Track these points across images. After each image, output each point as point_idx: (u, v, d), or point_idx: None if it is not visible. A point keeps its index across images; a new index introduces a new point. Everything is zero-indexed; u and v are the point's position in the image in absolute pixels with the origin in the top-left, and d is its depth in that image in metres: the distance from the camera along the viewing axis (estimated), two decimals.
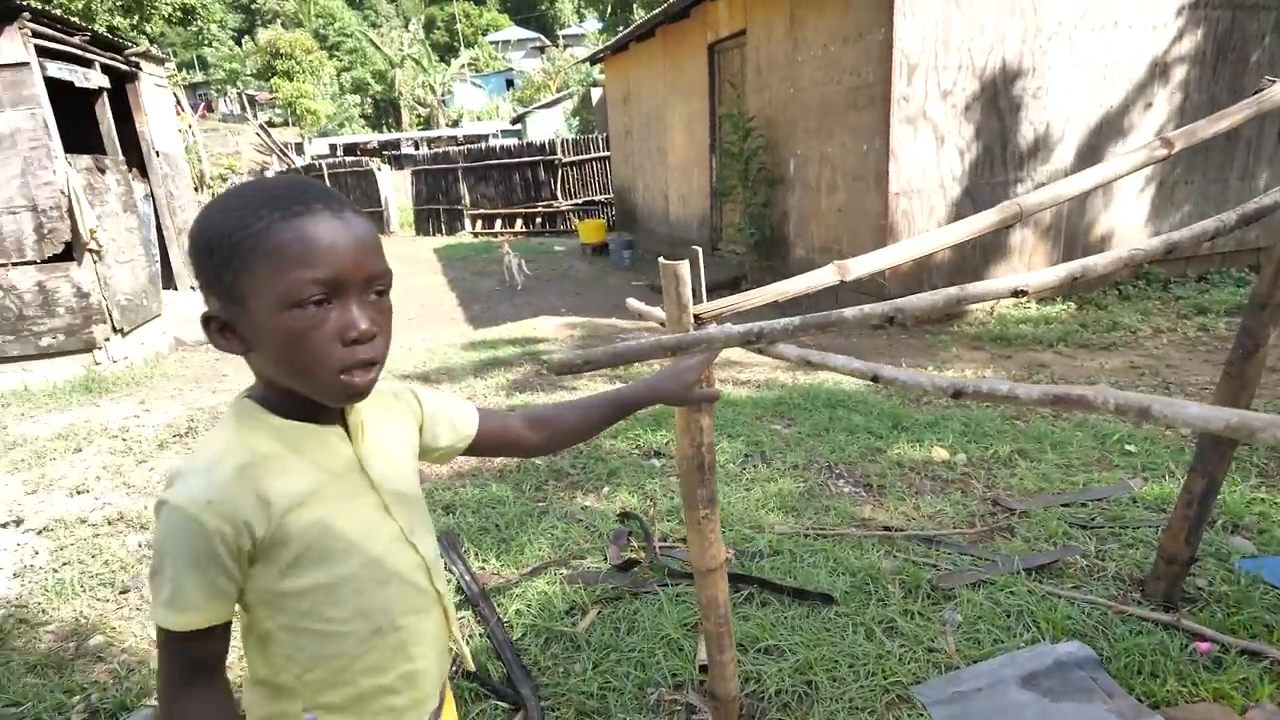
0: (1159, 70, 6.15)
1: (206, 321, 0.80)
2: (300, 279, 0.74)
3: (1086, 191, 1.40)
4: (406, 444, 0.96)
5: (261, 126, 28.23)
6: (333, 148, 26.24)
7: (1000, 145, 5.95)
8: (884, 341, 5.73)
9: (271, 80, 33.41)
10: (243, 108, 35.26)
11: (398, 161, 24.89)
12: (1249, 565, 2.26)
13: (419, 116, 35.81)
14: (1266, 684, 1.78)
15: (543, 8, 51.00)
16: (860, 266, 1.27)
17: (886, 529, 2.68)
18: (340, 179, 18.34)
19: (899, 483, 3.07)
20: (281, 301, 0.74)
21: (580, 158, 16.53)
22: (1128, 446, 3.28)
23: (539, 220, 16.87)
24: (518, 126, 28.39)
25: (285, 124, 32.36)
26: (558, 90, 30.18)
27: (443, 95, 36.27)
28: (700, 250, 1.27)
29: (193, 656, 0.79)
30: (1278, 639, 1.94)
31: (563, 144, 16.71)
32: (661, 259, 1.21)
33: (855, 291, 6.36)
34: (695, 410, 1.36)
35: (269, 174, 22.03)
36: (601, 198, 16.35)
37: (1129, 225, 6.51)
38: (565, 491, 3.25)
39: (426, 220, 17.92)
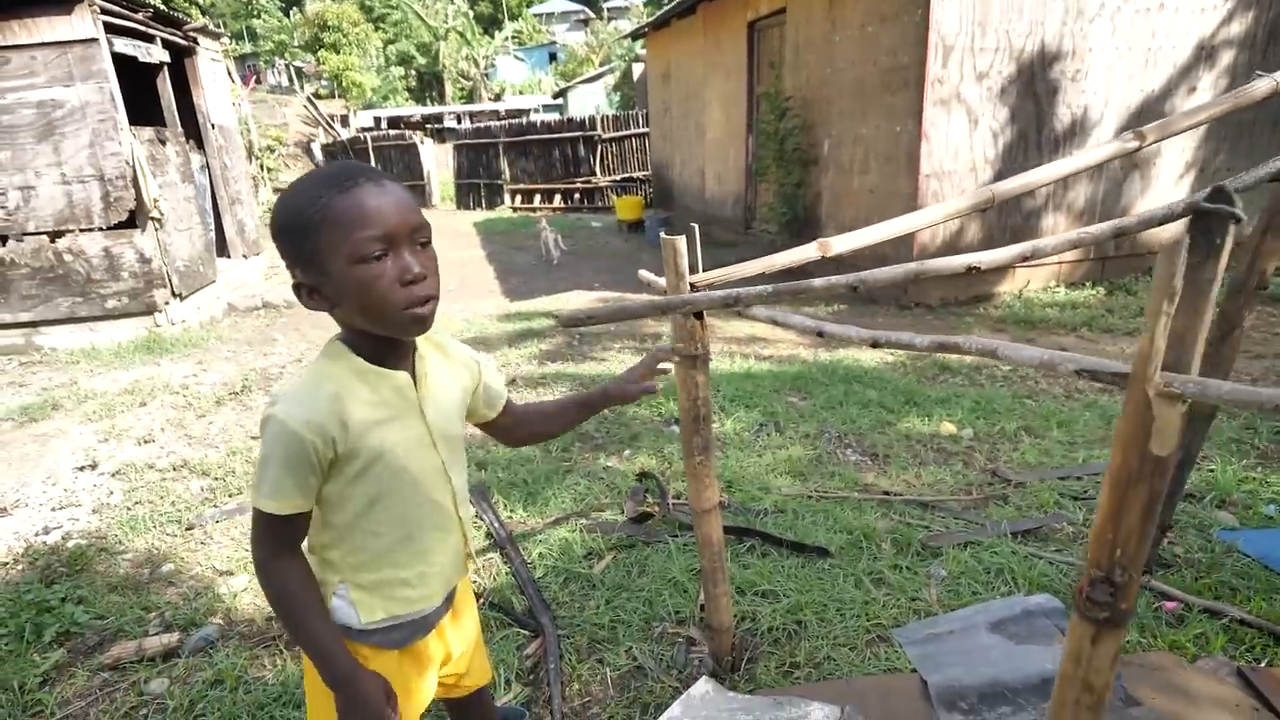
0: (1205, 54, 6.02)
1: (297, 289, 1.01)
2: (360, 238, 0.94)
3: (1056, 179, 1.54)
4: (459, 398, 1.18)
5: (309, 98, 28.83)
6: (377, 120, 26.70)
7: (1035, 129, 5.92)
8: (908, 321, 5.81)
9: (318, 52, 33.98)
10: (290, 80, 35.97)
11: (440, 135, 25.23)
12: (1227, 536, 2.38)
13: (462, 90, 36.10)
14: (1222, 638, 1.93)
15: None
16: (840, 244, 1.43)
17: (886, 494, 2.84)
18: (384, 152, 18.74)
19: (904, 453, 3.22)
20: (350, 258, 0.94)
21: (620, 134, 16.59)
22: None
23: (577, 196, 17.03)
24: (559, 101, 28.46)
25: (331, 96, 32.95)
26: (600, 64, 30.12)
27: (486, 69, 36.45)
28: (697, 228, 1.45)
29: (284, 533, 1.03)
30: (1240, 600, 2.07)
31: (603, 120, 16.78)
32: (663, 233, 1.40)
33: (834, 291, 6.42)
34: (692, 368, 1.55)
35: (315, 145, 22.56)
36: (640, 175, 16.41)
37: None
38: (589, 453, 3.47)
39: (467, 194, 18.23)
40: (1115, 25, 5.80)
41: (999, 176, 5.95)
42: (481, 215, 16.75)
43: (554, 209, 16.94)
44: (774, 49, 8.20)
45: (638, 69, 20.69)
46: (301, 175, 1.05)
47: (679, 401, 1.63)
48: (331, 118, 27.16)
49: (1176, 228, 6.65)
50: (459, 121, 25.94)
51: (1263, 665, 1.86)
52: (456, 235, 13.49)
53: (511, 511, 2.93)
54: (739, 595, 2.24)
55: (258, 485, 1.00)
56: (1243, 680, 1.81)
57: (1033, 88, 5.82)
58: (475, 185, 18.08)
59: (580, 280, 8.55)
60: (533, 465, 3.29)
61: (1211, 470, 2.87)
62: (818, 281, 1.26)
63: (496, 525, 2.77)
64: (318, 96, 31.66)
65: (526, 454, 3.40)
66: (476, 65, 35.60)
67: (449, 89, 35.83)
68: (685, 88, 11.25)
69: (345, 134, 23.53)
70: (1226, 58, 6.05)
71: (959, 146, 5.83)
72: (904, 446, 3.29)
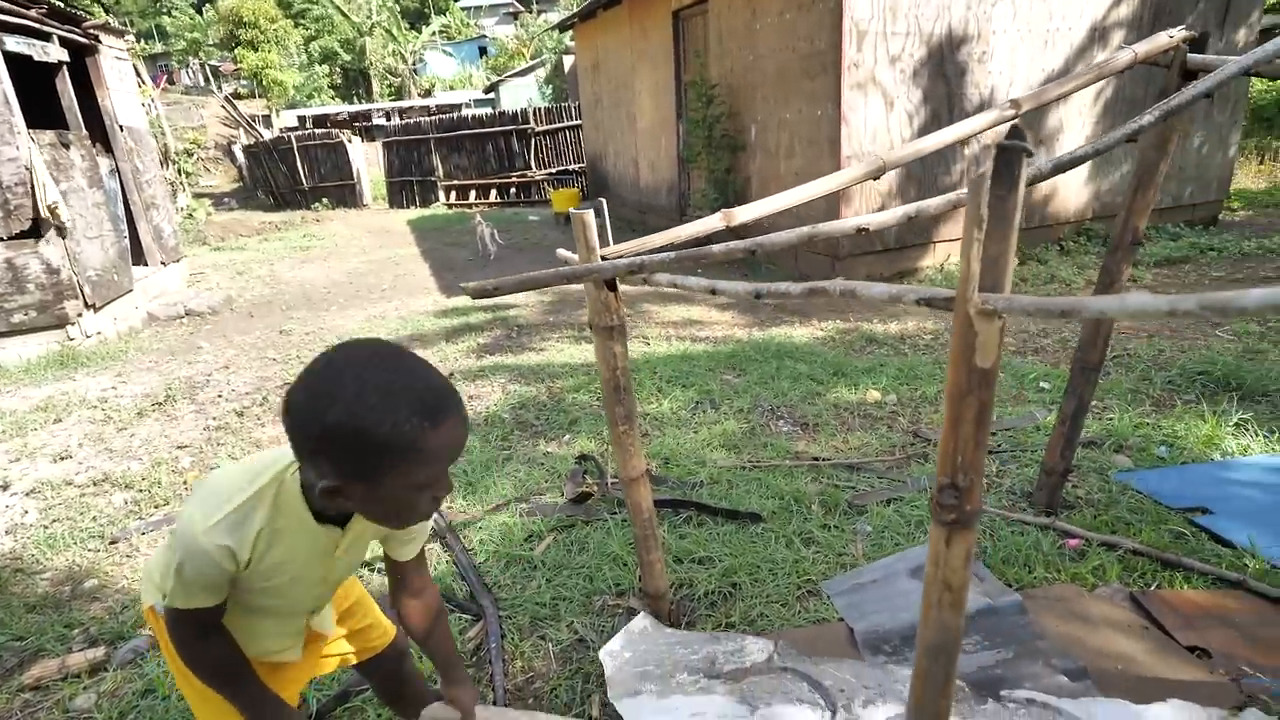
0: (1098, 35, 6.38)
1: (327, 491, 0.95)
2: (437, 473, 0.96)
3: (941, 147, 1.64)
4: (372, 539, 1.22)
5: (227, 99, 27.60)
6: (302, 120, 25.76)
7: (947, 109, 6.17)
8: (840, 300, 6.00)
9: (235, 50, 32.54)
10: (206, 79, 34.34)
11: (369, 133, 24.53)
12: (1123, 477, 2.57)
13: (390, 86, 35.14)
14: (1117, 568, 2.09)
15: None
16: (744, 214, 1.50)
17: (816, 459, 2.96)
18: (310, 152, 18.13)
19: (833, 421, 3.35)
20: (416, 487, 0.95)
21: (554, 127, 16.48)
22: (1042, 384, 3.59)
23: (513, 190, 16.86)
24: (491, 96, 28.03)
25: (252, 96, 31.62)
26: (531, 57, 29.77)
27: (414, 64, 35.57)
28: (605, 202, 1.49)
29: (202, 621, 1.08)
30: (1133, 533, 2.25)
31: (535, 113, 16.64)
32: (572, 210, 1.43)
33: (811, 253, 6.60)
34: (609, 339, 1.59)
35: (236, 148, 21.61)
36: (575, 167, 16.36)
37: (1071, 185, 6.80)
38: (529, 440, 3.49)
39: (400, 192, 17.83)
40: (1016, 9, 6.09)
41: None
42: (415, 213, 16.41)
43: (490, 204, 16.73)
44: (698, 37, 8.30)
45: (568, 61, 20.57)
46: (377, 372, 0.93)
47: (600, 373, 1.67)
48: (253, 118, 26.10)
49: (1097, 193, 6.91)
50: (388, 119, 25.28)
51: (1152, 589, 2.03)
52: (389, 234, 13.20)
53: (450, 502, 2.92)
54: (676, 563, 2.31)
55: (171, 588, 1.03)
56: (1135, 604, 1.98)
57: (943, 69, 6.06)
58: (408, 183, 17.69)
59: (517, 273, 8.50)
60: (471, 455, 3.29)
61: (1111, 418, 3.09)
62: (716, 247, 1.31)
63: (436, 517, 2.77)
64: (237, 96, 30.36)
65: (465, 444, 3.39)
66: (404, 61, 34.73)
67: (376, 86, 34.85)
68: (615, 78, 11.26)
69: (268, 134, 22.65)
70: (1117, 38, 6.44)
71: (877, 128, 6.03)
72: (832, 415, 3.42)
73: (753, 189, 7.51)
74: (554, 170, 16.61)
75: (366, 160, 19.35)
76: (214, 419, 4.13)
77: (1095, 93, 6.58)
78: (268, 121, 27.16)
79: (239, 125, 24.74)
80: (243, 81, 32.54)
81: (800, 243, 1.33)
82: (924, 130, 6.17)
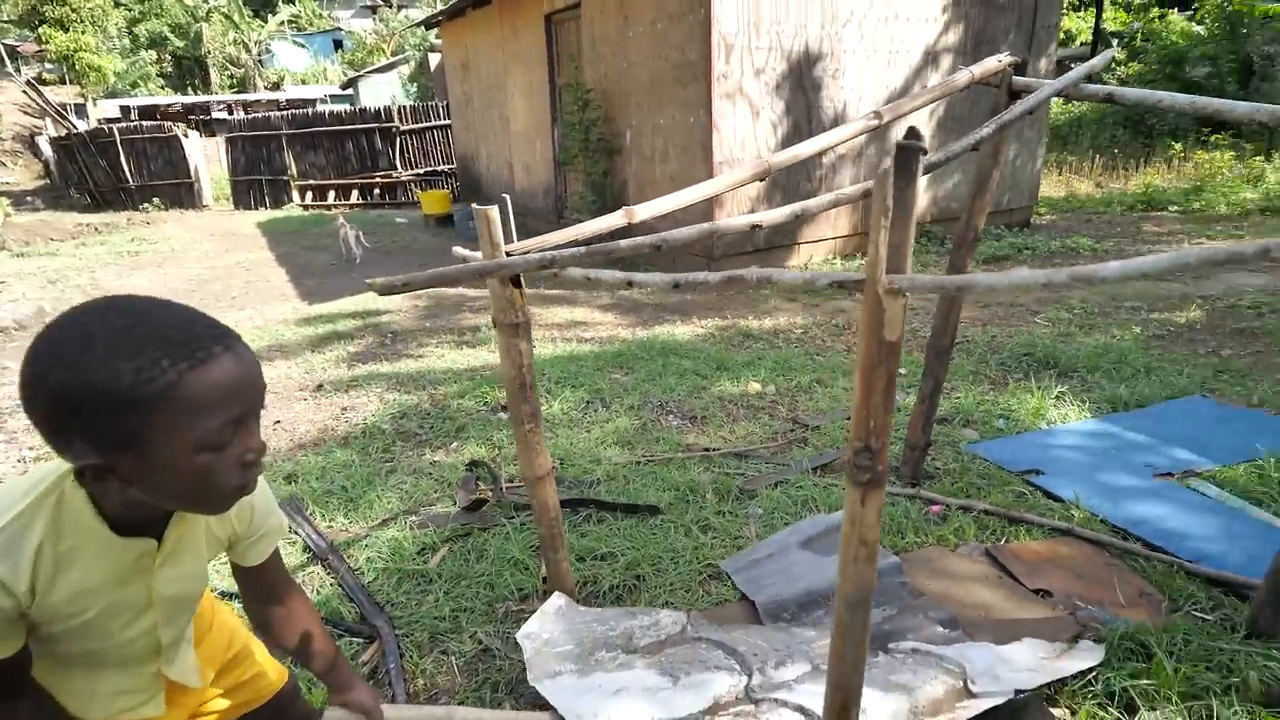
0: (931, 57, 7.11)
1: (81, 472, 0.78)
2: (216, 425, 0.77)
3: (818, 152, 1.78)
4: (207, 551, 1.01)
5: (29, 83, 24.22)
6: (125, 110, 23.13)
7: (807, 120, 6.62)
8: (716, 298, 6.26)
9: (39, 29, 28.62)
10: (2, 61, 29.97)
11: (208, 127, 22.47)
12: (971, 448, 2.90)
13: (231, 78, 32.30)
14: (973, 528, 2.36)
15: None
16: (644, 211, 1.56)
17: (706, 450, 3.09)
18: (136, 146, 16.31)
19: (719, 413, 3.51)
20: (195, 446, 0.77)
21: (420, 126, 15.90)
22: (899, 370, 3.95)
23: (378, 192, 16.08)
24: (349, 92, 26.54)
25: (61, 81, 27.95)
26: (393, 54, 28.49)
27: (259, 55, 32.94)
28: (509, 198, 1.49)
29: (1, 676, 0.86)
30: (984, 495, 2.55)
31: (400, 111, 15.97)
32: (474, 205, 1.42)
33: (689, 254, 6.85)
34: (514, 336, 1.59)
35: (42, 139, 19.06)
36: (445, 168, 15.87)
37: None
38: (413, 450, 3.36)
39: (247, 192, 16.47)
40: (863, 31, 6.65)
41: None
42: (266, 215, 15.23)
43: (352, 206, 15.87)
44: (572, 42, 8.35)
45: (435, 59, 19.91)
46: (100, 319, 0.77)
47: (503, 371, 1.67)
48: (64, 107, 23.10)
49: (935, 199, 7.62)
50: (231, 112, 23.28)
51: (1002, 543, 2.31)
52: (236, 237, 12.18)
53: (331, 521, 2.76)
54: (579, 562, 2.33)
55: None
56: (989, 557, 2.24)
57: (802, 83, 6.50)
58: (256, 182, 16.38)
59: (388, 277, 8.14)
60: (351, 470, 3.13)
61: (958, 398, 3.46)
62: (625, 242, 1.36)
63: (315, 538, 2.61)
64: (42, 82, 26.76)
65: (343, 459, 3.22)
66: (248, 51, 32.09)
67: (215, 76, 31.96)
68: (486, 78, 11.07)
69: (83, 125, 20.14)
70: (947, 61, 7.20)
71: (745, 136, 6.36)
72: (718, 407, 3.58)
73: (630, 192, 7.66)
74: (421, 171, 16.02)
75: (206, 157, 17.69)
76: (30, 449, 3.63)
77: (930, 111, 7.31)
78: (81, 111, 24.16)
79: (45, 114, 21.82)
80: (49, 65, 28.72)
81: (700, 237, 1.41)
82: (788, 139, 6.58)
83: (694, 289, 1.13)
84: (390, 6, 35.87)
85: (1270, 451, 2.72)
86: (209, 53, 31.47)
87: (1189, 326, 4.58)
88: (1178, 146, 11.05)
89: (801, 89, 6.52)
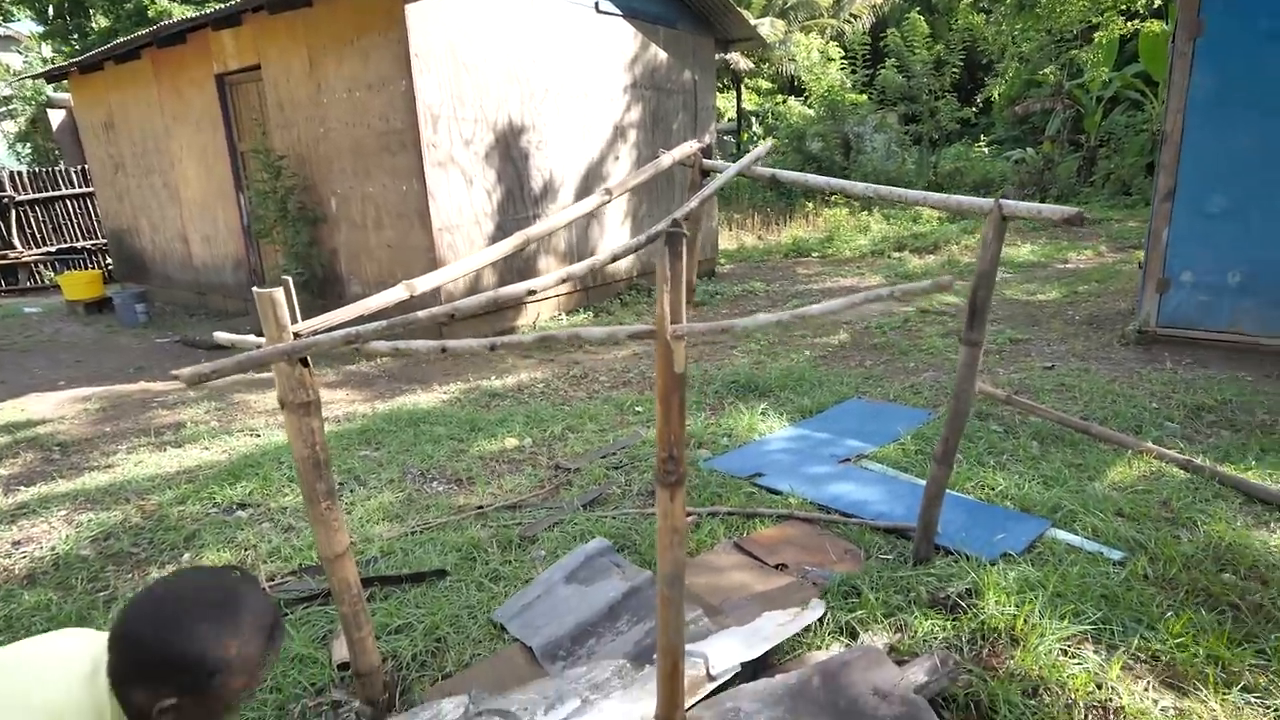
0: (619, 132, 8.12)
1: (164, 712, 1.01)
2: (265, 674, 1.11)
3: (563, 225, 2.07)
4: None
5: None
6: None
7: (519, 187, 7.07)
8: (451, 363, 6.27)
9: None
10: None
11: None
12: (708, 464, 3.42)
13: None
14: (722, 528, 2.81)
15: None
16: (424, 283, 1.68)
17: (479, 508, 3.15)
18: None
19: (484, 471, 3.58)
20: (246, 692, 1.08)
21: (46, 195, 13.10)
22: (636, 408, 4.44)
23: None
24: None
25: None
26: None
27: None
28: (291, 279, 1.50)
29: None
30: (724, 501, 3.04)
31: (13, 177, 13.00)
32: (255, 290, 1.41)
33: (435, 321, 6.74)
34: (305, 415, 1.57)
35: None
36: (88, 244, 13.27)
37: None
38: (132, 571, 2.87)
39: None
40: (559, 107, 7.35)
41: (499, 227, 6.91)
42: None
43: None
44: (255, 105, 7.77)
45: (57, 115, 16.62)
46: (207, 593, 1.10)
47: (295, 452, 1.62)
48: None
49: (639, 256, 8.47)
50: None
51: (745, 535, 2.78)
52: None
53: None
54: (377, 639, 2.24)
55: None
56: (738, 549, 2.69)
57: (510, 153, 6.94)
58: None
59: (34, 381, 6.58)
60: (51, 612, 2.56)
61: (689, 425, 4.01)
62: (422, 313, 1.47)
63: None
64: None
65: (35, 602, 2.62)
66: None
67: None
68: (140, 141, 9.66)
69: None
70: (632, 135, 8.27)
71: (461, 203, 6.56)
72: (481, 466, 3.65)
73: (341, 261, 7.32)
74: (52, 250, 13.18)
75: None
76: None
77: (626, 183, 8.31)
78: None
79: None
80: None
81: (487, 305, 1.58)
82: (503, 205, 6.94)
83: (509, 348, 1.30)
84: None
85: (907, 432, 3.69)
86: None
87: (841, 347, 5.88)
88: (810, 205, 13.94)
89: (510, 158, 6.95)
